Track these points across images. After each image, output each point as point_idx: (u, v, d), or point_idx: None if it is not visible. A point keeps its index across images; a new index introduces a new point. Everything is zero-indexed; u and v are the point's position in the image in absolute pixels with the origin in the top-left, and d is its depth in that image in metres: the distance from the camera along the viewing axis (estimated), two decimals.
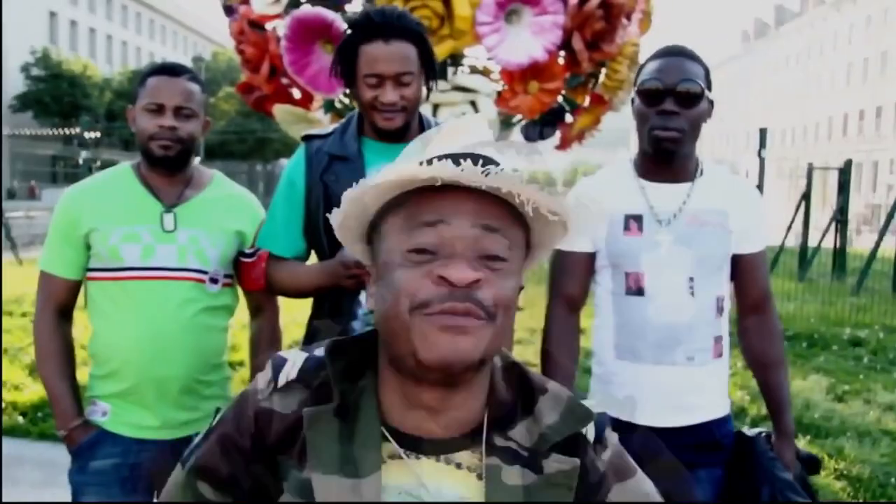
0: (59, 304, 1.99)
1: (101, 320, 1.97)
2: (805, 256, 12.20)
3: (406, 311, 0.86)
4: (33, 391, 4.30)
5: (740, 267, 1.97)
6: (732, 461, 1.94)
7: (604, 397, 1.95)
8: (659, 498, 1.00)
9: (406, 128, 1.92)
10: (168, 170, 1.96)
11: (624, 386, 1.91)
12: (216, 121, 35.90)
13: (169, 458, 1.96)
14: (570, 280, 2.00)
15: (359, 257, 1.03)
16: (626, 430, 1.91)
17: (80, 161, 13.51)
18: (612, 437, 1.00)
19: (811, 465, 2.05)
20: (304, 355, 0.98)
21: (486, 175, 0.85)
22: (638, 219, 1.91)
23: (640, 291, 1.90)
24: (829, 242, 12.00)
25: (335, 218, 0.96)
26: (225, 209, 2.04)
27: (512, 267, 0.90)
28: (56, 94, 38.57)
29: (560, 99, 7.33)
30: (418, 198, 0.88)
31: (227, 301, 2.06)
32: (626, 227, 1.92)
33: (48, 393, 2.01)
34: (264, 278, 2.02)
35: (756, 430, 2.01)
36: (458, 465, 0.92)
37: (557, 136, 7.84)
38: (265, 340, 2.17)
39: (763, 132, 6.56)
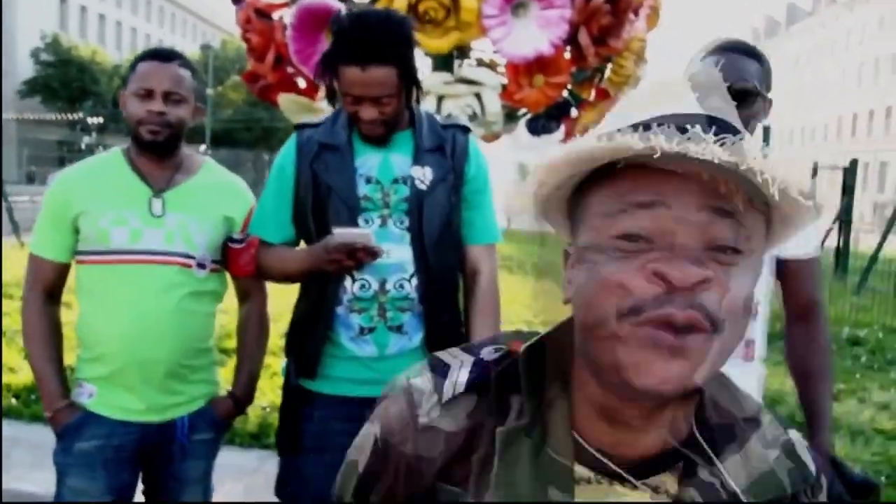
0: (48, 286, 2.01)
1: (89, 303, 1.98)
2: None
3: (613, 315, 0.69)
4: (27, 374, 4.29)
5: (785, 272, 1.91)
6: None
7: None
8: None
9: (392, 130, 1.93)
10: (157, 155, 1.97)
11: None
12: (223, 109, 35.91)
13: (153, 440, 1.98)
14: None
15: (559, 231, 0.85)
16: None
17: (83, 146, 13.55)
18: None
19: (862, 489, 1.88)
20: (471, 360, 0.83)
21: (722, 145, 0.66)
22: None
23: None
24: (834, 242, 11.98)
25: (529, 187, 0.78)
26: (214, 195, 2.05)
27: (749, 260, 0.71)
28: (65, 80, 38.62)
29: (565, 93, 7.32)
30: (631, 172, 0.71)
31: (215, 286, 2.06)
32: None
33: (34, 374, 2.03)
34: (253, 264, 2.04)
35: None
36: (656, 489, 0.76)
37: (562, 131, 7.83)
38: (253, 326, 2.18)
39: (766, 130, 6.52)
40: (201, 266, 1.99)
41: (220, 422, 2.11)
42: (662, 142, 0.66)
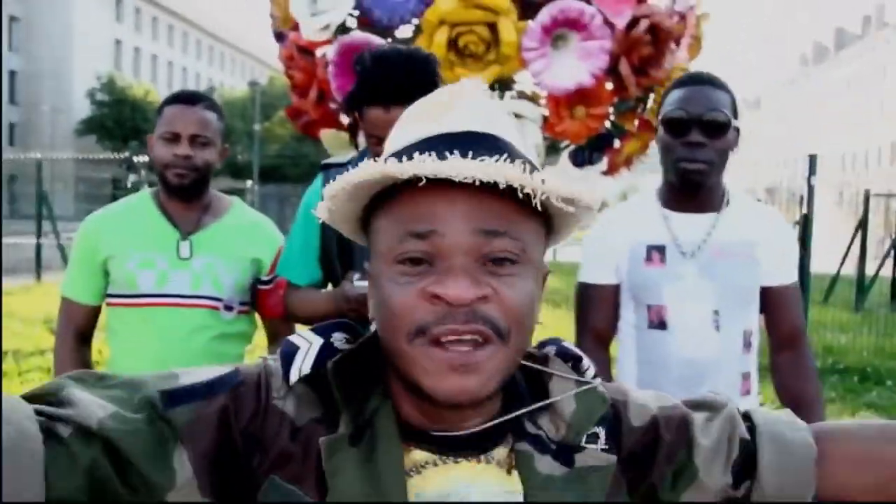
0: (79, 328, 2.01)
1: (118, 345, 1.98)
2: (862, 286, 11.81)
3: (404, 338, 0.73)
4: None
5: (770, 300, 1.89)
6: None
7: None
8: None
9: None
10: (185, 197, 1.97)
11: None
12: (270, 144, 36.56)
13: None
14: (597, 314, 1.95)
15: (362, 242, 0.89)
16: None
17: (129, 184, 13.90)
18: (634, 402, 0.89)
19: None
20: (319, 343, 0.82)
21: (480, 166, 0.70)
22: (661, 249, 1.86)
23: (662, 325, 1.84)
24: (890, 272, 11.63)
25: (321, 213, 0.83)
26: (242, 236, 2.04)
27: (527, 264, 0.76)
28: (119, 119, 39.81)
29: (608, 124, 7.26)
30: (406, 194, 0.74)
31: (243, 328, 2.05)
32: (649, 258, 1.86)
33: None
34: (282, 306, 2.02)
35: None
36: (491, 459, 0.81)
37: (605, 162, 7.76)
38: None
39: (813, 158, 6.36)
40: (229, 308, 1.98)
41: None
42: (425, 167, 0.70)
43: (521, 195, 0.71)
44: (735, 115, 1.83)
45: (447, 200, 0.73)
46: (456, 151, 0.71)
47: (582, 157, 7.79)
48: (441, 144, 0.73)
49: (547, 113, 6.80)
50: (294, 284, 1.99)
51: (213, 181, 2.06)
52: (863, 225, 12.27)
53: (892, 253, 11.59)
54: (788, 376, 1.91)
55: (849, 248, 12.43)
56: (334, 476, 0.74)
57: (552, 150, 7.49)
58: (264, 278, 2.04)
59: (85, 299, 2.00)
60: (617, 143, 7.61)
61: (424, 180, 0.71)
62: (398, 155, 0.75)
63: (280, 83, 44.44)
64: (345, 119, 7.33)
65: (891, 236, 11.89)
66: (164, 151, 1.93)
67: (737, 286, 1.83)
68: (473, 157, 0.71)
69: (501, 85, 6.77)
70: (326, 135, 7.22)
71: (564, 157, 7.87)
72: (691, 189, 1.85)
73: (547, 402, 0.84)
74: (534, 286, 0.77)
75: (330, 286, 2.00)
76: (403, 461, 0.78)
